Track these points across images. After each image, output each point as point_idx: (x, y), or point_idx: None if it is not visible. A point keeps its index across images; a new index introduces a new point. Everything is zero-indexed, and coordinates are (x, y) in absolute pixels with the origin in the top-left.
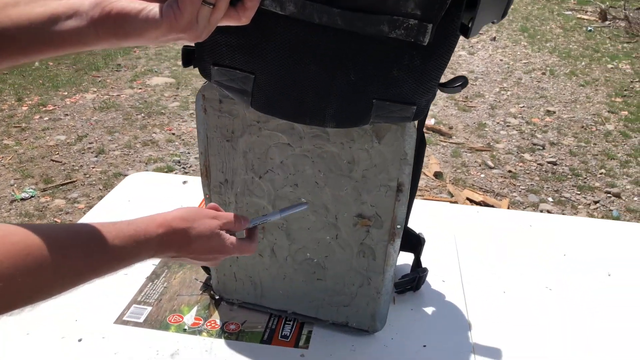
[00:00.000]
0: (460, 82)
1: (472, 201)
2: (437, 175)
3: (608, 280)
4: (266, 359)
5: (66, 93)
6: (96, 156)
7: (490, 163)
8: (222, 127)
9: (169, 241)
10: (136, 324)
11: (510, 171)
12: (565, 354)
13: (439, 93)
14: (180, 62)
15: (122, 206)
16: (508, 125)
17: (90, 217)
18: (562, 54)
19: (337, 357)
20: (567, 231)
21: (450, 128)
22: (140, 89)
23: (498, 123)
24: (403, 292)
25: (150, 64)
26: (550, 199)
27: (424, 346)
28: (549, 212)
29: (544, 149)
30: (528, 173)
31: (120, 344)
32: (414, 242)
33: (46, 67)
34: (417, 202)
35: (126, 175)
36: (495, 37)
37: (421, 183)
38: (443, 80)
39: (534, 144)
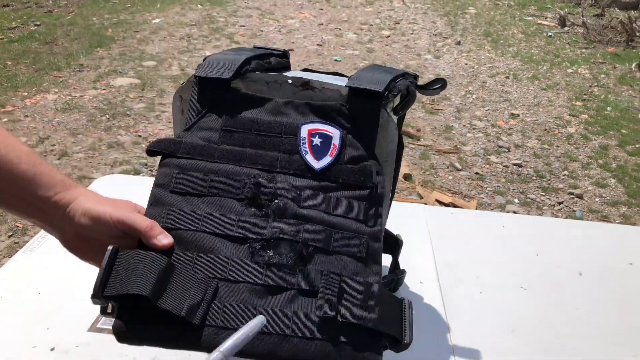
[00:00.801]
0: (439, 85)
1: (441, 203)
2: (407, 177)
3: (580, 279)
4: None
5: (26, 93)
6: (59, 159)
7: (458, 165)
8: None
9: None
10: (111, 332)
11: (477, 173)
12: (542, 352)
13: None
14: (145, 64)
15: None
16: (474, 128)
17: None
18: (525, 59)
19: None
20: (539, 231)
21: (418, 130)
22: (104, 89)
23: (464, 126)
24: None
25: (114, 64)
26: (516, 200)
27: None
28: (515, 212)
29: (509, 151)
30: (494, 175)
31: (95, 352)
32: (391, 244)
33: (4, 66)
34: (393, 204)
35: (91, 178)
36: (460, 41)
37: None
38: (421, 82)
39: (500, 147)
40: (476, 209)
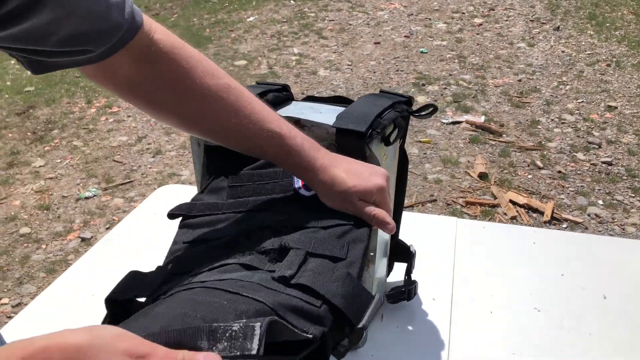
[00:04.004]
0: (429, 109)
1: (515, 203)
2: (482, 176)
3: (602, 303)
4: None
5: None
6: (153, 157)
7: (539, 163)
8: None
9: None
10: None
11: (560, 172)
12: None
13: (492, 90)
14: (236, 63)
15: (149, 219)
16: (563, 122)
17: (118, 232)
18: (632, 43)
19: None
20: (572, 249)
21: (502, 126)
22: None
23: (552, 120)
24: (396, 302)
25: None
26: (600, 202)
27: None
28: (597, 215)
29: (599, 147)
30: (579, 174)
31: None
32: (403, 254)
33: None
34: (424, 217)
35: (180, 175)
36: (559, 27)
37: (465, 184)
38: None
39: (589, 143)
40: (553, 211)
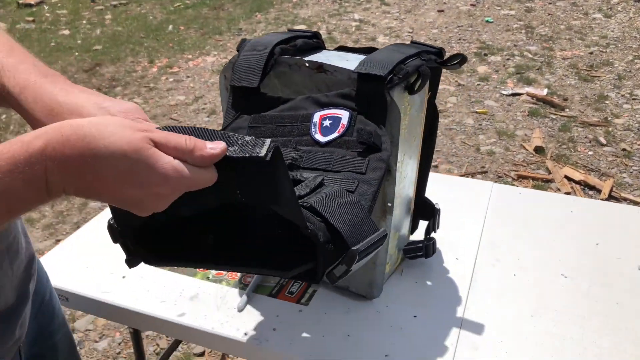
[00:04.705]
0: (457, 59)
1: (570, 179)
2: (538, 150)
3: (636, 275)
4: (267, 309)
5: (190, 56)
6: (208, 116)
7: (602, 140)
8: None
9: (54, 159)
10: (171, 269)
11: (624, 149)
12: (555, 341)
13: (559, 62)
14: (295, 27)
15: None
16: (634, 99)
17: None
18: None
19: (331, 315)
20: (609, 219)
21: (565, 99)
22: None
23: (623, 95)
24: (414, 258)
25: (268, 28)
26: None
27: (415, 316)
28: None
29: None
30: None
31: (154, 283)
32: (426, 211)
33: (177, 31)
34: (459, 180)
35: None
36: None
37: (518, 158)
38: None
39: None
40: (611, 189)
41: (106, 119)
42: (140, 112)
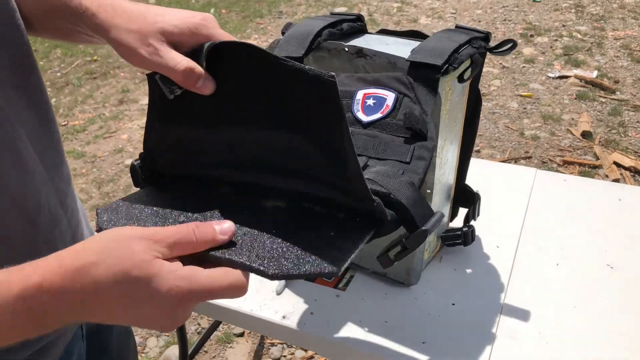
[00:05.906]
0: (509, 45)
1: (619, 165)
2: (585, 135)
3: None
4: (305, 293)
5: None
6: None
7: None
8: None
9: (46, 299)
10: None
11: None
12: (597, 334)
13: (611, 42)
14: (336, 10)
15: None
16: None
17: None
18: None
19: (369, 301)
20: None
21: (616, 82)
22: None
23: None
24: (452, 245)
25: (309, 11)
26: None
27: (453, 304)
28: None
29: None
30: None
31: None
32: (467, 198)
33: (219, 14)
34: (502, 166)
35: None
36: None
37: (564, 143)
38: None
39: None
40: None
41: (108, 246)
42: (211, 22)
